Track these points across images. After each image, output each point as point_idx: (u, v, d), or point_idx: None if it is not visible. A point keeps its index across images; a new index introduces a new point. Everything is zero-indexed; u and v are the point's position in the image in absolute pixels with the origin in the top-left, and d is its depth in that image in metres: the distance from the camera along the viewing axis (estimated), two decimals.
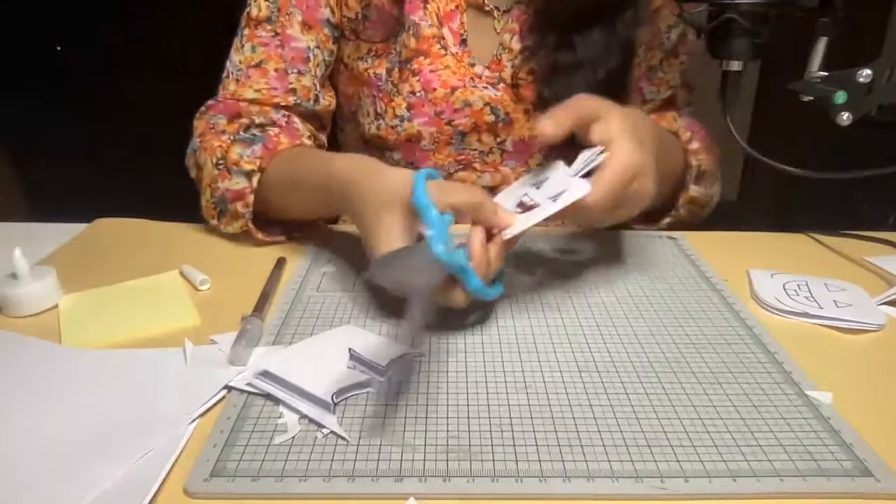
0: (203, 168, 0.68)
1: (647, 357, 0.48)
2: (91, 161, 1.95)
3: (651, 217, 0.73)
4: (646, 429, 0.40)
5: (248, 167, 0.65)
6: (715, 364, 0.47)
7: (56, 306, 0.54)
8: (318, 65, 0.74)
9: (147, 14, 1.88)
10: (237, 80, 0.71)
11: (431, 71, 0.71)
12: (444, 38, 0.72)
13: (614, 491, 0.36)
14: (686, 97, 0.82)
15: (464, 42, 0.72)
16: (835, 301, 0.55)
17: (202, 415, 0.42)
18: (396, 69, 0.72)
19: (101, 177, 1.85)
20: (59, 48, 1.94)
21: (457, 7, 0.72)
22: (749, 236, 0.71)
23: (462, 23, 0.72)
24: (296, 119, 0.72)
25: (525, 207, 0.51)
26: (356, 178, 0.55)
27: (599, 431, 0.40)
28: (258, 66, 0.71)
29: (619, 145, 0.50)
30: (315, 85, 0.73)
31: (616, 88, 0.72)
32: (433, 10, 0.71)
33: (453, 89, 0.71)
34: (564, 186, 0.51)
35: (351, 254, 0.64)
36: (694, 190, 0.73)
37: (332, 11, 0.73)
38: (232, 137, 0.68)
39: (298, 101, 0.72)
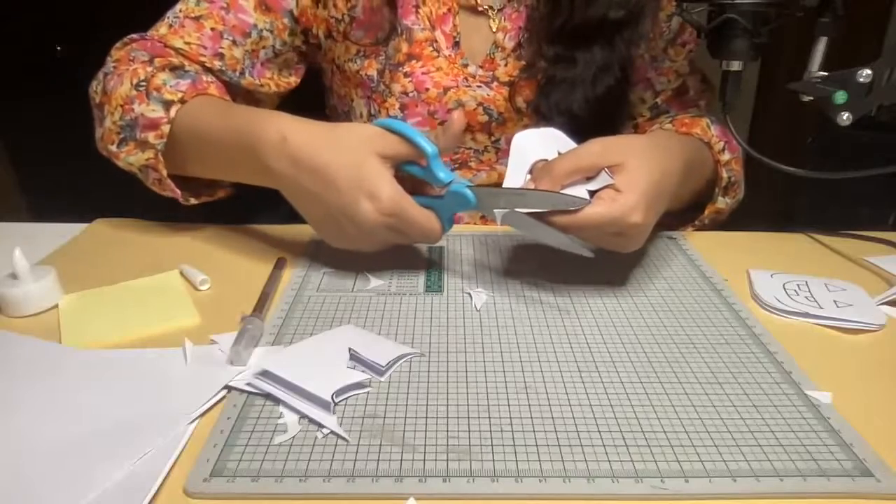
0: (115, 91, 0.64)
1: (647, 357, 0.48)
2: (91, 161, 1.95)
3: (671, 226, 0.72)
4: (646, 429, 0.40)
5: (168, 96, 0.61)
6: (715, 364, 0.47)
7: (56, 306, 0.54)
8: (264, 47, 0.72)
9: (147, 14, 1.88)
10: (170, 26, 0.69)
11: (424, 73, 0.71)
12: (436, 41, 0.72)
13: (614, 491, 0.36)
14: (699, 86, 0.80)
15: (456, 45, 0.72)
16: (835, 301, 0.55)
17: (202, 415, 0.42)
18: (388, 71, 0.72)
19: (101, 177, 1.85)
20: (59, 48, 1.94)
21: (449, 10, 0.72)
22: (749, 236, 0.71)
23: (454, 25, 0.72)
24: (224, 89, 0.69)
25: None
26: (312, 135, 0.55)
27: (599, 431, 0.40)
28: (196, 19, 0.69)
29: (625, 198, 0.51)
30: (245, 59, 0.71)
31: (612, 104, 0.72)
32: (425, 14, 0.71)
33: (446, 89, 0.71)
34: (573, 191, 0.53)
35: (351, 254, 0.64)
36: (721, 202, 0.72)
37: (298, 6, 0.72)
38: (159, 65, 0.65)
39: (223, 69, 0.70)
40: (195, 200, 0.67)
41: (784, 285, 0.58)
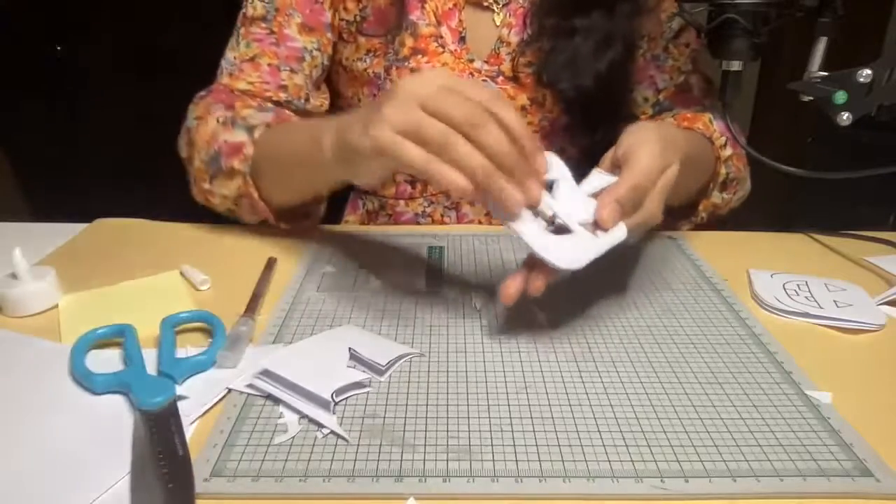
0: (200, 135, 0.65)
1: (647, 357, 0.48)
2: (91, 161, 1.96)
3: (669, 224, 0.70)
4: (646, 429, 0.40)
5: (253, 122, 0.63)
6: (715, 364, 0.47)
7: (56, 306, 0.54)
8: (315, 66, 0.74)
9: (147, 14, 1.88)
10: (230, 74, 0.71)
11: (429, 69, 0.71)
12: (441, 37, 0.72)
13: (614, 491, 0.36)
14: (703, 86, 0.79)
15: (462, 40, 0.73)
16: (835, 301, 0.55)
17: (202, 415, 0.42)
18: (394, 67, 0.72)
19: (101, 177, 1.85)
20: (59, 48, 1.94)
21: (455, 5, 0.72)
22: (749, 236, 0.71)
23: (460, 20, 0.72)
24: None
25: (550, 222, 0.47)
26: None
27: (599, 431, 0.40)
28: (251, 60, 0.71)
29: (637, 156, 0.48)
30: (307, 84, 0.73)
31: (616, 80, 0.72)
32: (431, 9, 0.71)
33: None
34: (586, 207, 0.48)
35: (351, 254, 0.64)
36: (716, 197, 0.71)
37: (331, 15, 0.73)
38: (242, 105, 0.67)
39: (289, 99, 0.72)
40: (285, 225, 0.66)
41: (784, 285, 0.58)
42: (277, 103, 0.72)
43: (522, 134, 0.44)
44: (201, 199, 0.69)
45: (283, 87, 0.72)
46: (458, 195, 0.44)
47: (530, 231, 0.46)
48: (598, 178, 0.50)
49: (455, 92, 0.43)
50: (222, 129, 0.64)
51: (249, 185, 0.62)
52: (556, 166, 0.49)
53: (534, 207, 0.46)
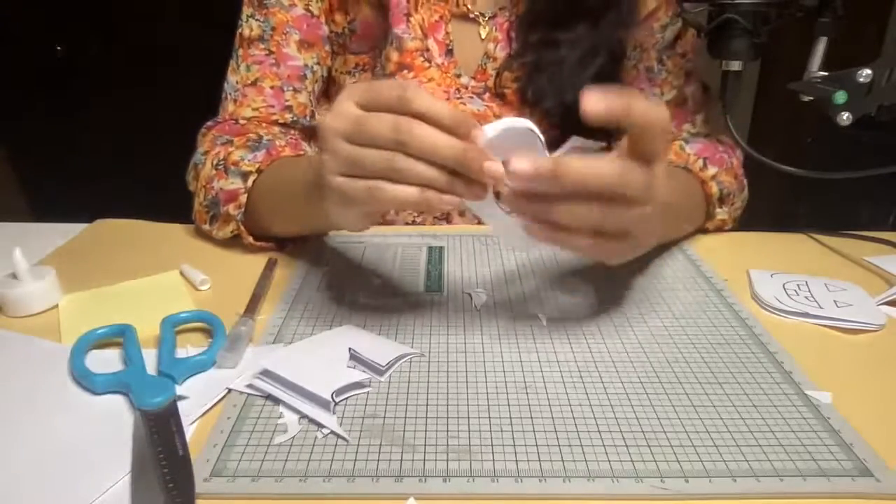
0: (200, 174, 0.66)
1: (647, 357, 0.48)
2: (91, 161, 1.96)
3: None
4: (646, 429, 0.40)
5: (246, 168, 0.63)
6: (715, 364, 0.47)
7: (56, 306, 0.54)
8: (316, 81, 0.74)
9: (147, 14, 1.88)
10: (235, 101, 0.71)
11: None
12: (428, 51, 0.71)
13: (614, 491, 0.36)
14: (700, 97, 0.77)
15: (449, 52, 0.72)
16: (835, 301, 0.55)
17: (202, 415, 0.42)
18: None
19: (101, 177, 1.85)
20: (58, 48, 1.94)
21: (441, 18, 0.71)
22: (749, 236, 0.71)
23: (447, 33, 0.72)
24: (304, 144, 0.71)
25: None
26: None
27: (599, 431, 0.40)
28: (254, 84, 0.71)
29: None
30: (311, 101, 0.73)
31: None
32: (417, 23, 0.71)
33: None
34: None
35: (351, 254, 0.64)
36: (721, 213, 0.70)
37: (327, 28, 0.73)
38: (238, 144, 0.67)
39: (296, 119, 0.72)
40: (290, 246, 0.66)
41: (784, 285, 0.58)
42: (284, 125, 0.72)
43: (443, 115, 0.41)
44: (206, 233, 0.68)
45: (288, 108, 0.72)
46: (413, 208, 0.43)
47: (490, 212, 0.46)
48: (574, 143, 0.46)
49: (370, 111, 0.42)
50: (216, 175, 0.65)
51: (243, 232, 0.64)
52: (525, 148, 0.45)
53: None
